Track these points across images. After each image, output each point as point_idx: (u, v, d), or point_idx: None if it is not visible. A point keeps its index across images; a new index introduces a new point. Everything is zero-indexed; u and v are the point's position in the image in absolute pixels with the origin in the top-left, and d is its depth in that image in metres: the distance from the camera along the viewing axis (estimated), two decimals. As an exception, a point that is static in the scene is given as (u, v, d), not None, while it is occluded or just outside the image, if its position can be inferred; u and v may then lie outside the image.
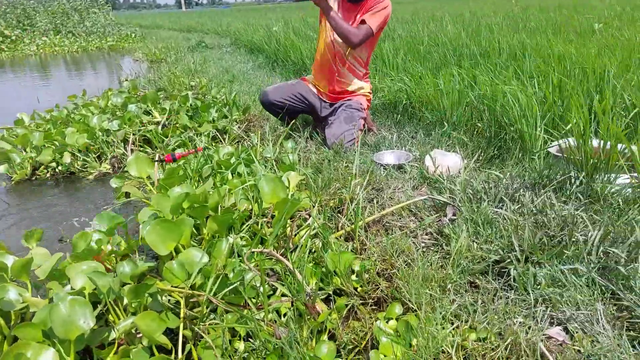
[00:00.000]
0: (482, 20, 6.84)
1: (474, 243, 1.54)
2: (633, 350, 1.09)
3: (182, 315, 1.22)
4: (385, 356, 1.23)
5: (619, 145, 1.78)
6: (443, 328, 1.23)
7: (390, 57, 3.99)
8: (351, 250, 1.67)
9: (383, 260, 1.59)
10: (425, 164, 2.17)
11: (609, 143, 1.73)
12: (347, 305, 1.41)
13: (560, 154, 1.98)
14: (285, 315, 1.37)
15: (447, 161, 2.11)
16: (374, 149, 2.57)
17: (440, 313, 1.28)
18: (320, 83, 2.84)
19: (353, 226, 1.72)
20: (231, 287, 1.27)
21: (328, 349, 1.23)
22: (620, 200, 1.68)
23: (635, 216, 1.51)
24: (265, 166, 2.29)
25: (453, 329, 1.23)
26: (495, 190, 1.83)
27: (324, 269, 1.54)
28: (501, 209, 1.70)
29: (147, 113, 3.26)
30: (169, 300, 1.32)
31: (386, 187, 2.06)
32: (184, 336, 1.20)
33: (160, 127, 2.92)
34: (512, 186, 1.86)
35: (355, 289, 1.52)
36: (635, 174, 1.71)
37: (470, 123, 2.62)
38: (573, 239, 1.48)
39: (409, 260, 1.52)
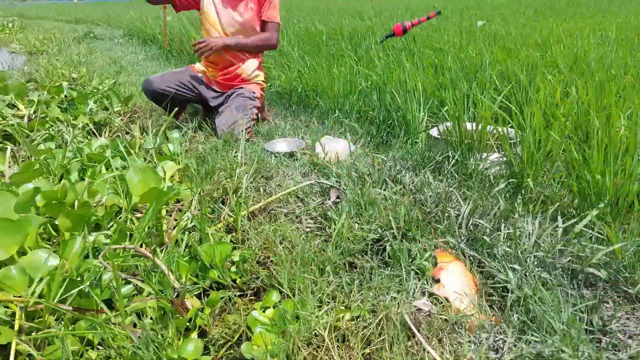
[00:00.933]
0: (384, 13, 7.07)
1: (356, 224, 1.53)
2: (492, 312, 1.12)
3: (16, 328, 1.04)
4: (258, 347, 1.16)
5: (489, 127, 1.89)
6: (320, 310, 1.19)
7: (289, 47, 3.94)
8: (232, 241, 1.58)
9: (265, 248, 1.52)
10: (315, 151, 2.14)
11: (480, 125, 1.82)
12: (222, 299, 1.32)
13: (440, 136, 2.05)
14: (150, 316, 1.24)
15: (336, 147, 2.09)
16: (267, 138, 2.50)
17: (317, 296, 1.24)
18: (210, 71, 2.70)
19: (237, 217, 1.62)
20: (78, 289, 1.11)
21: (194, 346, 1.13)
22: (490, 176, 1.78)
23: (501, 189, 1.60)
24: (145, 159, 2.12)
25: (326, 311, 1.19)
26: (380, 172, 1.85)
27: (200, 263, 1.43)
28: (384, 190, 1.71)
29: (13, 106, 2.88)
30: (6, 312, 1.13)
31: (276, 175, 2.00)
32: (18, 352, 1.03)
33: (25, 121, 2.59)
34: (395, 168, 1.89)
35: (234, 280, 1.43)
36: (504, 152, 1.81)
37: (362, 110, 2.65)
38: (446, 214, 1.53)
39: (291, 247, 1.46)
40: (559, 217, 1.39)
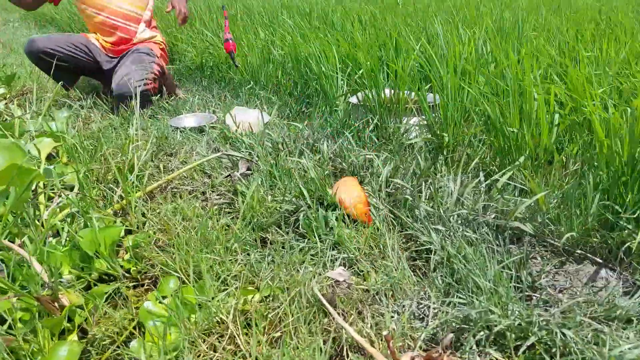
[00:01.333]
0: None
1: (269, 196, 1.36)
2: (415, 278, 1.01)
3: None
4: (152, 343, 0.96)
5: (408, 92, 1.80)
6: (226, 293, 1.02)
7: (203, 15, 3.65)
8: (126, 226, 1.35)
9: (164, 231, 1.31)
10: (226, 123, 1.94)
11: (400, 90, 1.73)
12: (107, 293, 1.10)
13: (359, 103, 1.94)
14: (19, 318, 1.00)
15: (248, 118, 1.90)
16: (174, 114, 2.25)
17: (220, 278, 1.07)
18: (101, 36, 2.39)
19: (131, 198, 1.39)
20: None
21: (69, 350, 0.92)
22: (410, 139, 1.69)
23: (421, 149, 1.50)
24: (25, 142, 1.80)
25: (231, 293, 1.02)
26: (296, 141, 1.69)
27: (83, 253, 1.19)
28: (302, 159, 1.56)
29: None
30: None
31: (181, 151, 1.78)
32: None
33: None
34: (313, 137, 1.75)
35: (128, 270, 1.21)
36: (424, 116, 1.73)
37: (279, 81, 2.47)
38: (367, 179, 1.41)
39: (193, 227, 1.27)
40: (481, 174, 1.32)
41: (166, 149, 1.81)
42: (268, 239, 1.23)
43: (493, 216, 1.18)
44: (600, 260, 1.05)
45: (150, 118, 2.19)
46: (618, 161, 1.04)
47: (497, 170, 1.41)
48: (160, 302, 1.07)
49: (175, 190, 1.52)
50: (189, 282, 1.07)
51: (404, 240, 1.17)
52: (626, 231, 1.02)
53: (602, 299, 0.90)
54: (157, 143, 1.78)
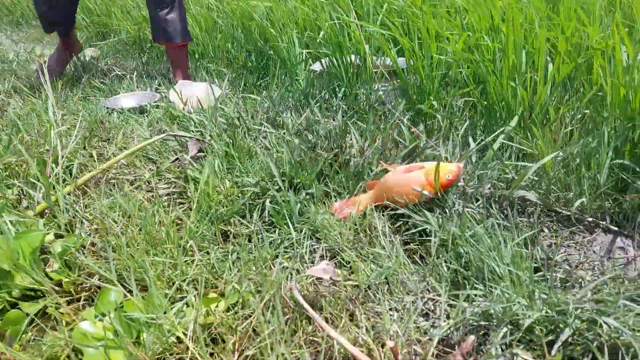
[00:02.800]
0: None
1: (227, 181, 1.15)
2: (414, 267, 0.84)
3: None
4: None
5: (377, 57, 1.62)
6: (183, 304, 0.81)
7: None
8: (55, 229, 1.10)
9: (100, 231, 1.08)
10: (171, 101, 1.69)
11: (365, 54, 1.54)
12: (29, 315, 0.87)
13: (324, 70, 1.74)
14: None
15: (196, 92, 1.66)
16: (110, 94, 1.95)
17: (175, 285, 0.86)
18: None
19: (57, 195, 1.14)
20: None
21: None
22: (384, 107, 1.51)
23: (400, 115, 1.33)
24: None
25: (186, 303, 0.82)
26: (255, 117, 1.48)
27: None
28: (265, 136, 1.35)
29: None
30: None
31: (119, 135, 1.52)
32: None
33: None
34: (273, 109, 1.53)
35: (60, 282, 0.98)
36: (397, 80, 1.55)
37: (230, 53, 2.22)
38: (345, 154, 1.22)
39: (135, 224, 1.04)
40: (471, 140, 1.16)
41: (101, 134, 1.55)
42: (231, 232, 1.03)
43: (489, 186, 1.03)
44: (615, 228, 0.93)
45: (82, 100, 1.89)
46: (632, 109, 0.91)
47: (483, 136, 1.26)
48: (100, 320, 0.86)
49: (114, 181, 1.27)
50: (128, 294, 0.85)
51: (391, 222, 1.00)
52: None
53: (634, 274, 0.77)
54: (89, 128, 1.51)
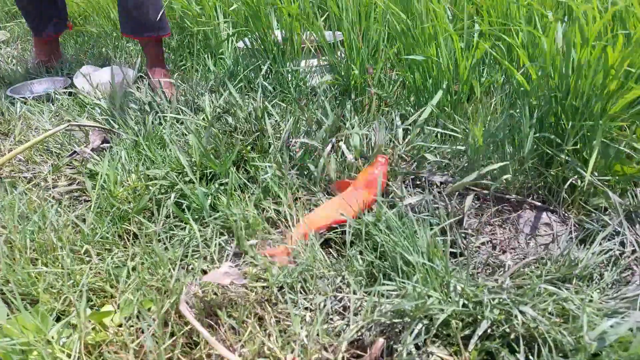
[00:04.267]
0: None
1: (132, 174, 1.03)
2: (329, 260, 0.78)
3: None
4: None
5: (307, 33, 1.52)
6: (65, 323, 0.71)
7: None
8: None
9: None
10: (77, 86, 1.53)
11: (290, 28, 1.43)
12: None
13: (249, 47, 1.62)
14: None
15: (103, 77, 1.51)
16: (16, 81, 1.75)
17: (66, 299, 0.76)
18: None
19: None
20: None
21: None
22: (311, 85, 1.42)
23: (325, 96, 1.25)
24: None
25: (68, 322, 0.72)
26: (171, 101, 1.35)
27: None
28: (182, 122, 1.23)
29: None
30: None
31: (18, 128, 1.35)
32: None
33: None
34: (192, 92, 1.41)
35: None
36: (325, 57, 1.46)
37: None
38: (267, 137, 1.12)
39: (25, 229, 0.91)
40: (397, 118, 1.10)
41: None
42: (133, 232, 0.92)
43: (413, 166, 0.97)
44: (539, 203, 0.89)
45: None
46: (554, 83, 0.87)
47: (412, 112, 1.20)
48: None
49: (8, 179, 1.13)
50: (19, 310, 0.74)
51: (307, 211, 0.93)
52: (567, 166, 0.86)
53: (556, 254, 0.73)
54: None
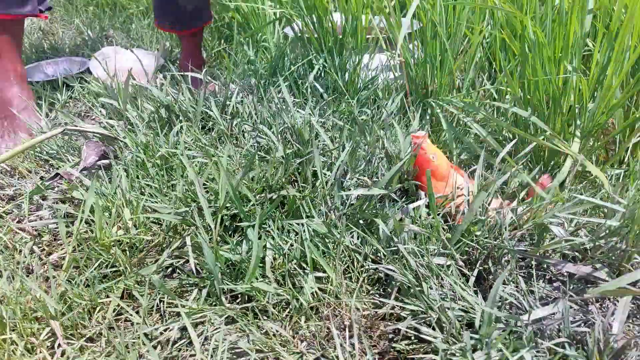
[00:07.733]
0: None
1: (127, 208, 0.77)
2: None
3: None
4: None
5: (374, 18, 1.18)
6: None
7: None
8: None
9: None
10: (93, 73, 1.28)
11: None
12: None
13: (298, 35, 1.31)
14: None
15: (126, 63, 1.25)
16: (30, 60, 1.53)
17: None
18: None
19: None
20: None
21: None
22: (377, 91, 1.10)
23: (394, 109, 0.93)
24: None
25: None
26: (198, 103, 1.07)
27: None
28: (207, 131, 0.96)
29: None
30: None
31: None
32: None
33: None
34: (223, 92, 1.12)
35: None
36: (398, 51, 1.12)
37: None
38: (311, 169, 0.82)
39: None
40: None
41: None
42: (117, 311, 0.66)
43: (524, 243, 0.65)
44: None
45: None
46: None
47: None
48: None
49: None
50: None
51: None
52: None
53: None
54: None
